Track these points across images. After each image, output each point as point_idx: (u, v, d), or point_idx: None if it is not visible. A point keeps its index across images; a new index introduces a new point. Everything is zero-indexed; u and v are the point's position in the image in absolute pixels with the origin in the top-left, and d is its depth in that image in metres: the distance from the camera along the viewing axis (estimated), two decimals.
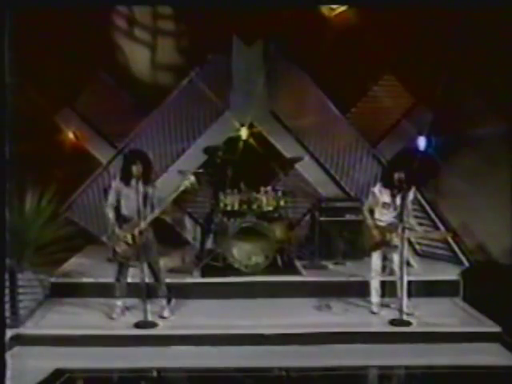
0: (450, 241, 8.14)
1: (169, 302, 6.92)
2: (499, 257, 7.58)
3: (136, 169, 6.47)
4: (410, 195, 6.67)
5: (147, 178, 6.57)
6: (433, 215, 8.31)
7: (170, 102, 9.16)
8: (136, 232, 6.45)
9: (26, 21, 6.50)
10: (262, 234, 7.83)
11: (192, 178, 6.61)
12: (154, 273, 6.77)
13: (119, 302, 6.81)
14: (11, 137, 5.65)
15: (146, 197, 6.49)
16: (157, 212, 6.49)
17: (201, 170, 8.64)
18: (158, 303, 6.86)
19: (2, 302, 5.43)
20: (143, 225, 6.44)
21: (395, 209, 6.66)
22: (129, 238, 6.50)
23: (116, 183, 6.67)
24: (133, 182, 6.51)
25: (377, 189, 6.82)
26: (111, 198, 6.64)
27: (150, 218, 6.46)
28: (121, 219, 6.60)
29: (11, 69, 5.62)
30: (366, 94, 9.37)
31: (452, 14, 7.22)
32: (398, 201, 6.62)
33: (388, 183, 6.72)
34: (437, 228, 8.27)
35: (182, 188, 6.66)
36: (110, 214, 6.62)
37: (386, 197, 6.73)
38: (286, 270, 7.99)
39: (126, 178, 6.58)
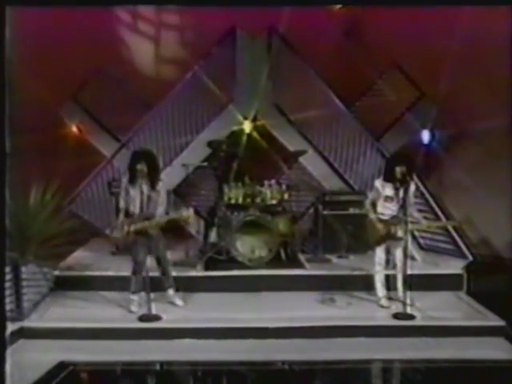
0: (453, 234, 8.16)
1: (177, 291, 6.97)
2: (503, 250, 7.59)
3: (140, 168, 6.51)
4: (412, 188, 6.70)
5: (152, 179, 6.58)
6: (436, 209, 8.29)
7: (174, 95, 9.12)
8: (132, 228, 6.55)
9: (29, 15, 6.51)
10: (266, 228, 7.83)
11: (191, 211, 6.59)
12: (162, 266, 6.86)
13: (135, 297, 6.79)
14: (15, 130, 5.66)
15: (149, 199, 6.57)
16: (147, 223, 6.52)
17: (205, 164, 8.67)
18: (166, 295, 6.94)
19: (3, 296, 5.46)
20: (132, 228, 6.53)
21: (398, 202, 6.69)
22: (125, 231, 6.60)
23: (124, 182, 6.71)
24: (138, 182, 6.58)
25: (379, 183, 6.84)
26: (122, 193, 6.71)
27: (141, 225, 6.52)
28: (127, 212, 6.67)
29: (15, 63, 5.62)
30: (370, 87, 9.34)
31: (455, 7, 7.20)
32: (401, 194, 6.66)
33: (390, 177, 6.74)
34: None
35: (175, 216, 6.65)
36: (121, 204, 6.70)
37: (388, 190, 6.75)
38: (289, 263, 8.01)
39: (131, 178, 6.63)
